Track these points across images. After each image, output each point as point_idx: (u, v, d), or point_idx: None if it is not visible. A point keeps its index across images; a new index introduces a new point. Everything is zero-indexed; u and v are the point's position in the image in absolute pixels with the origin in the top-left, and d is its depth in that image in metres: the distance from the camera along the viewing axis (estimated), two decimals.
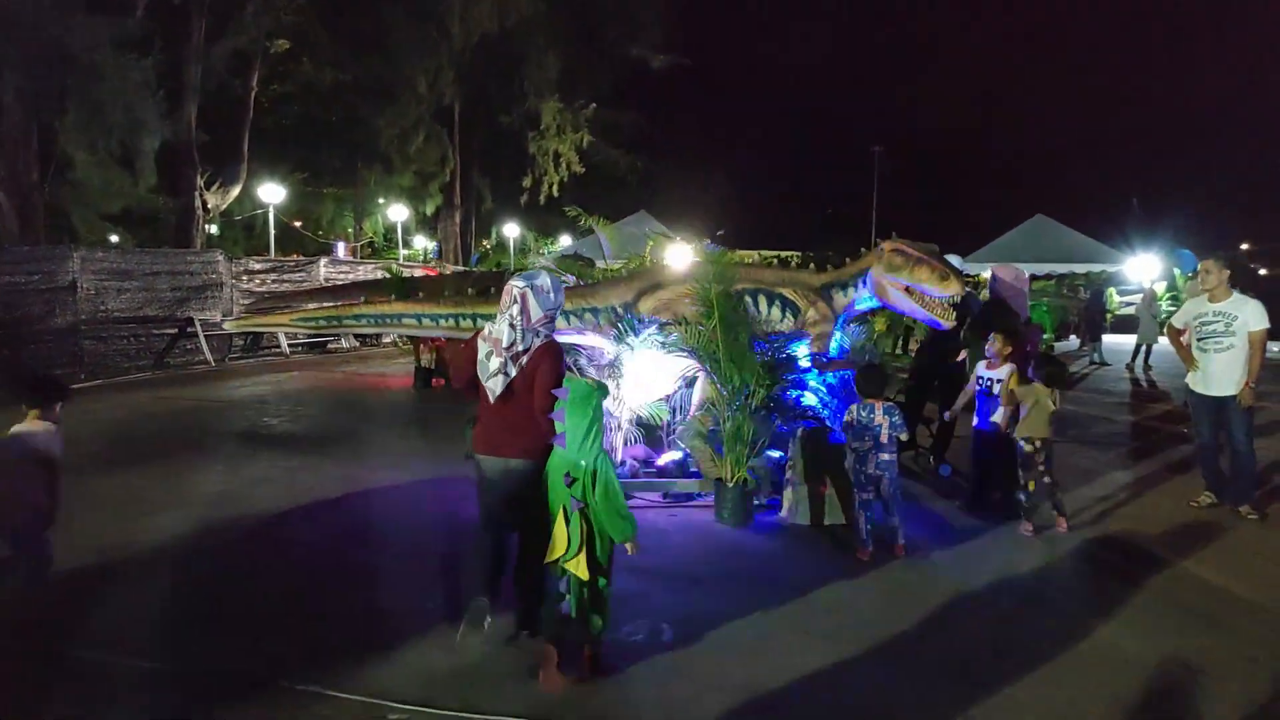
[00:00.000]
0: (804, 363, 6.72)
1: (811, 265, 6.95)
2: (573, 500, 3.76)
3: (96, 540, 5.68)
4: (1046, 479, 6.14)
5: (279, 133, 25.32)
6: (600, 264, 11.57)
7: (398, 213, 27.46)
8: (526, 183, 30.43)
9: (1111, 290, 25.00)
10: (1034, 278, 27.40)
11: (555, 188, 30.55)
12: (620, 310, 6.83)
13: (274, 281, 19.17)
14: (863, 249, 6.78)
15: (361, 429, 9.88)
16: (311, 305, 6.99)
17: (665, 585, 5.09)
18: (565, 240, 34.42)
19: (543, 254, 26.81)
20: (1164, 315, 18.69)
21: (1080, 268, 31.30)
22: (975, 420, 6.68)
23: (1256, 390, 6.36)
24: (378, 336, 19.62)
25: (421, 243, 37.93)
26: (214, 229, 32.00)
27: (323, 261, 21.14)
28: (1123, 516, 6.58)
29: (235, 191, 22.57)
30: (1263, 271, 37.41)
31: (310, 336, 18.75)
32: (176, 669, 4.05)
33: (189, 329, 16.50)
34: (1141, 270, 28.59)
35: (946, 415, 7.34)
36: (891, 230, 6.67)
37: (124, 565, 5.37)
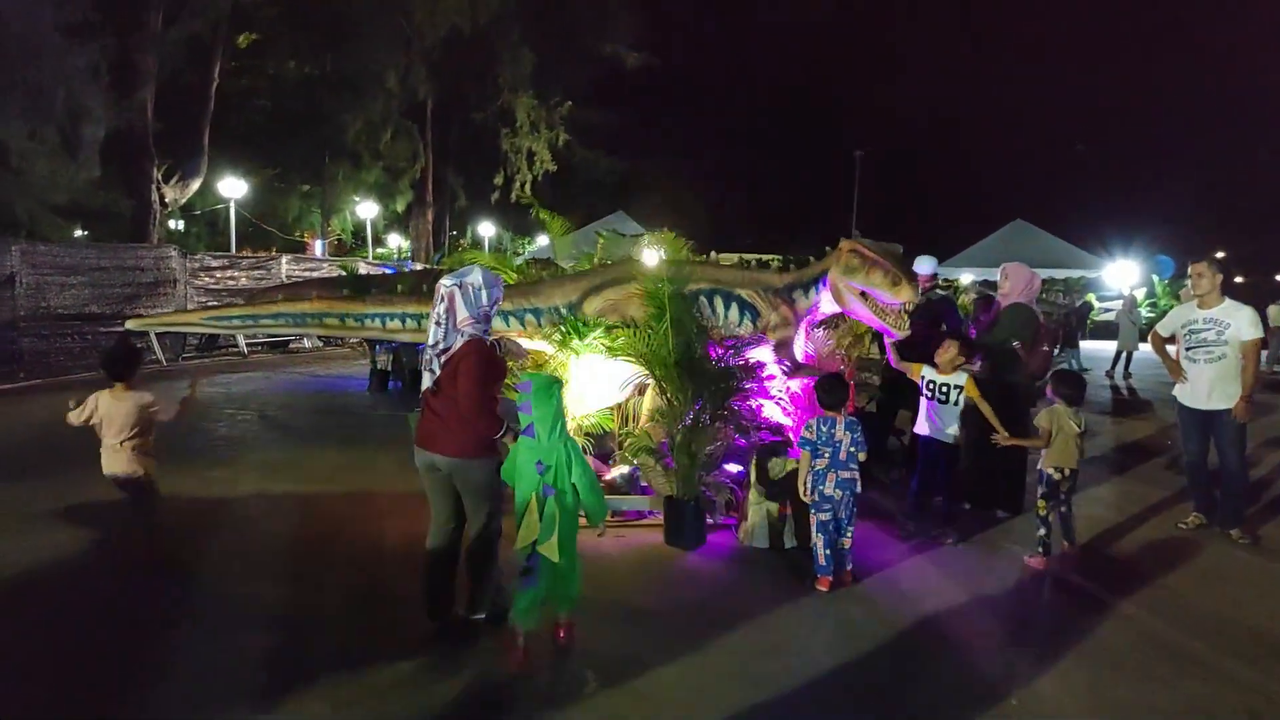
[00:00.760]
0: (767, 370, 6.20)
1: (774, 265, 6.43)
2: (545, 488, 3.94)
3: None
4: (1065, 508, 5.67)
5: (243, 126, 24.56)
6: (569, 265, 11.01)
7: (367, 210, 26.74)
8: (498, 181, 29.76)
9: (1091, 296, 24.70)
10: None
11: (528, 186, 29.90)
12: (564, 311, 6.28)
13: (230, 279, 18.49)
14: (828, 248, 6.27)
15: (298, 437, 9.28)
16: (227, 306, 6.35)
17: (601, 621, 4.53)
18: (542, 240, 33.83)
19: (519, 254, 26.25)
20: (1144, 322, 18.38)
21: (1059, 273, 31.01)
22: (917, 427, 6.16)
23: (1252, 404, 5.89)
24: (343, 337, 18.96)
25: (397, 241, 37.20)
26: (180, 225, 31.23)
27: (285, 259, 20.45)
28: (1105, 539, 6.09)
29: (195, 185, 21.81)
30: (1239, 279, 37.31)
31: (269, 336, 18.11)
32: None
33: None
34: (1120, 276, 28.40)
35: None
36: (855, 231, 6.16)
37: None
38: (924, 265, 7.69)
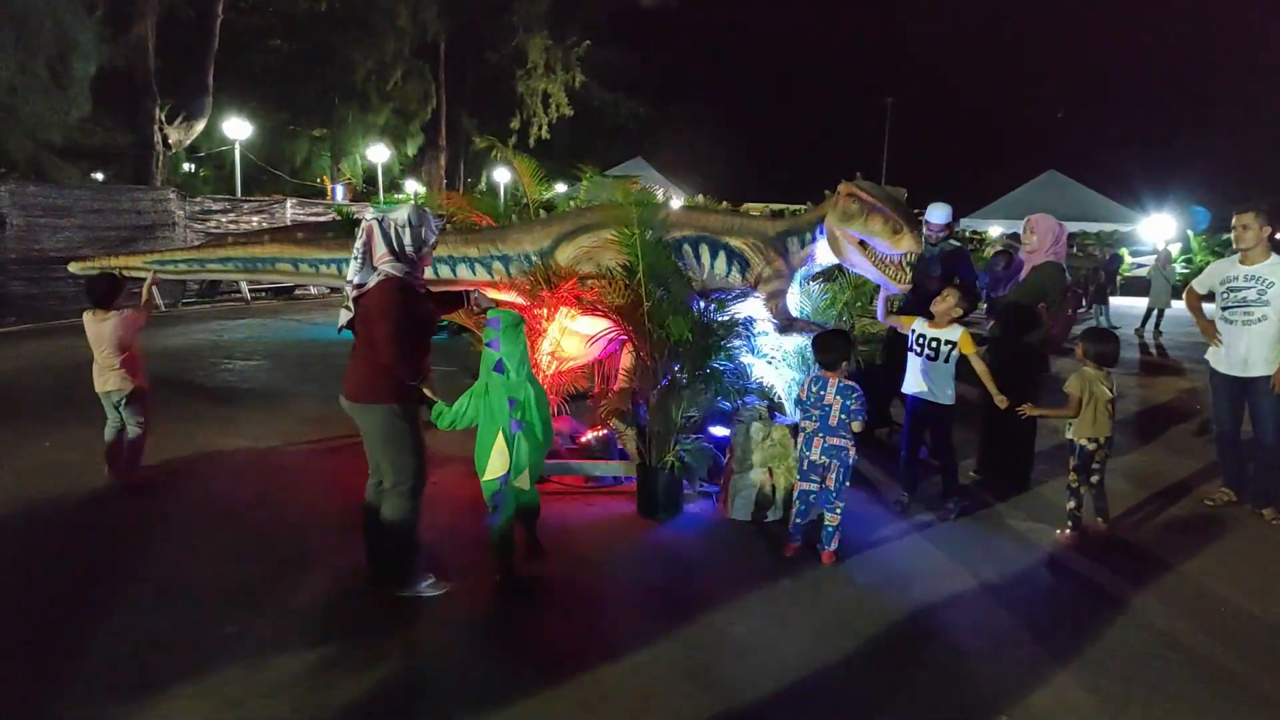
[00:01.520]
0: (757, 327, 5.67)
1: (765, 212, 5.85)
2: (514, 423, 4.00)
3: None
4: (1096, 478, 5.14)
5: (249, 66, 23.86)
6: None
7: (378, 153, 26.09)
8: (514, 124, 28.93)
9: (1124, 250, 23.74)
10: None
11: (545, 130, 29.09)
12: (535, 259, 5.74)
13: (231, 222, 18.05)
14: (826, 192, 5.66)
15: (279, 387, 8.90)
16: (173, 250, 5.89)
17: (552, 606, 4.10)
18: (560, 187, 33.05)
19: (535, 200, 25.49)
20: (1179, 279, 17.53)
21: (1092, 226, 29.97)
22: (905, 384, 5.61)
23: None
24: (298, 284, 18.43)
25: (414, 187, 36.55)
26: (192, 168, 30.78)
27: (290, 203, 19.98)
28: (1125, 517, 5.54)
29: (200, 126, 21.25)
30: None
31: (273, 282, 17.71)
32: None
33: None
34: (1156, 230, 27.33)
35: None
36: (857, 174, 5.53)
37: None
38: (937, 214, 7.07)
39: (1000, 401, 5.22)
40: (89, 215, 15.04)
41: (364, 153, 26.54)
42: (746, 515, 5.25)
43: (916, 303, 7.12)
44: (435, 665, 3.55)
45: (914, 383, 5.51)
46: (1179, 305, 10.40)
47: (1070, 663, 3.67)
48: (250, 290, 17.76)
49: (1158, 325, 15.74)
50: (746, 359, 5.79)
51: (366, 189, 27.80)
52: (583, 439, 6.03)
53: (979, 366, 5.30)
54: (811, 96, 55.44)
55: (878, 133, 48.61)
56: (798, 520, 4.75)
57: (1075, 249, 24.16)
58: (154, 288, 5.72)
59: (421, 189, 34.42)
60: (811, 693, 3.41)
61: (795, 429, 5.36)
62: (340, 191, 26.89)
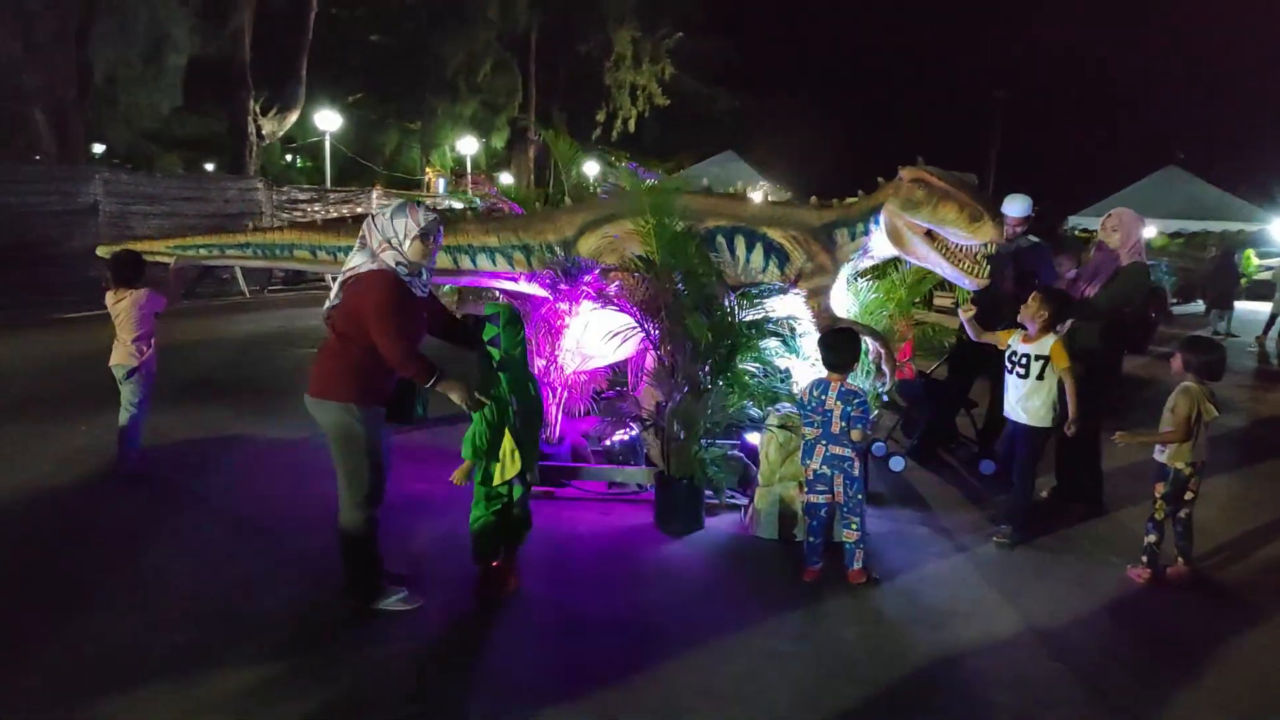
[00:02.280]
0: (795, 325, 5.18)
1: (812, 201, 5.34)
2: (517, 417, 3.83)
3: None
4: (1186, 510, 4.49)
5: (342, 58, 24.34)
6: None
7: (467, 145, 26.27)
8: (600, 116, 28.71)
9: (1249, 252, 21.89)
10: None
11: (631, 123, 28.77)
12: (559, 249, 5.36)
13: (317, 211, 18.36)
14: (880, 179, 5.10)
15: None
16: (193, 235, 5.80)
17: (529, 627, 3.72)
18: (649, 181, 32.60)
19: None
20: None
21: (1215, 226, 27.86)
22: (1006, 407, 5.02)
23: None
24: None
25: (508, 180, 36.81)
26: (294, 159, 31.68)
27: (375, 193, 20.24)
28: (1210, 552, 4.83)
29: (293, 117, 21.76)
30: None
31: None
32: None
33: None
34: None
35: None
36: (919, 159, 4.95)
37: None
38: (1014, 205, 6.37)
39: (1070, 429, 4.69)
40: (178, 203, 15.49)
41: (453, 144, 26.76)
42: (772, 533, 4.77)
43: (987, 307, 6.49)
44: (385, 688, 3.22)
45: (1009, 403, 4.94)
46: None
47: None
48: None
49: None
50: (787, 362, 5.31)
51: (455, 182, 28.04)
52: (607, 442, 5.64)
53: (1068, 383, 4.70)
54: (917, 89, 53.48)
55: (986, 127, 46.58)
56: (811, 539, 4.29)
57: (1190, 249, 22.51)
58: (179, 273, 5.64)
59: (510, 180, 34.69)
60: None
61: None
62: (444, 185, 27.19)
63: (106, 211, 14.24)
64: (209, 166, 25.32)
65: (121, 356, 5.46)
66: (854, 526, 4.21)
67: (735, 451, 5.28)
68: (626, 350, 5.38)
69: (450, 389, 3.69)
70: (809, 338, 5.26)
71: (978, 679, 3.43)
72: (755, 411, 4.99)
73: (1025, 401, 4.82)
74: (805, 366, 5.37)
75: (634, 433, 5.52)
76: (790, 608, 3.96)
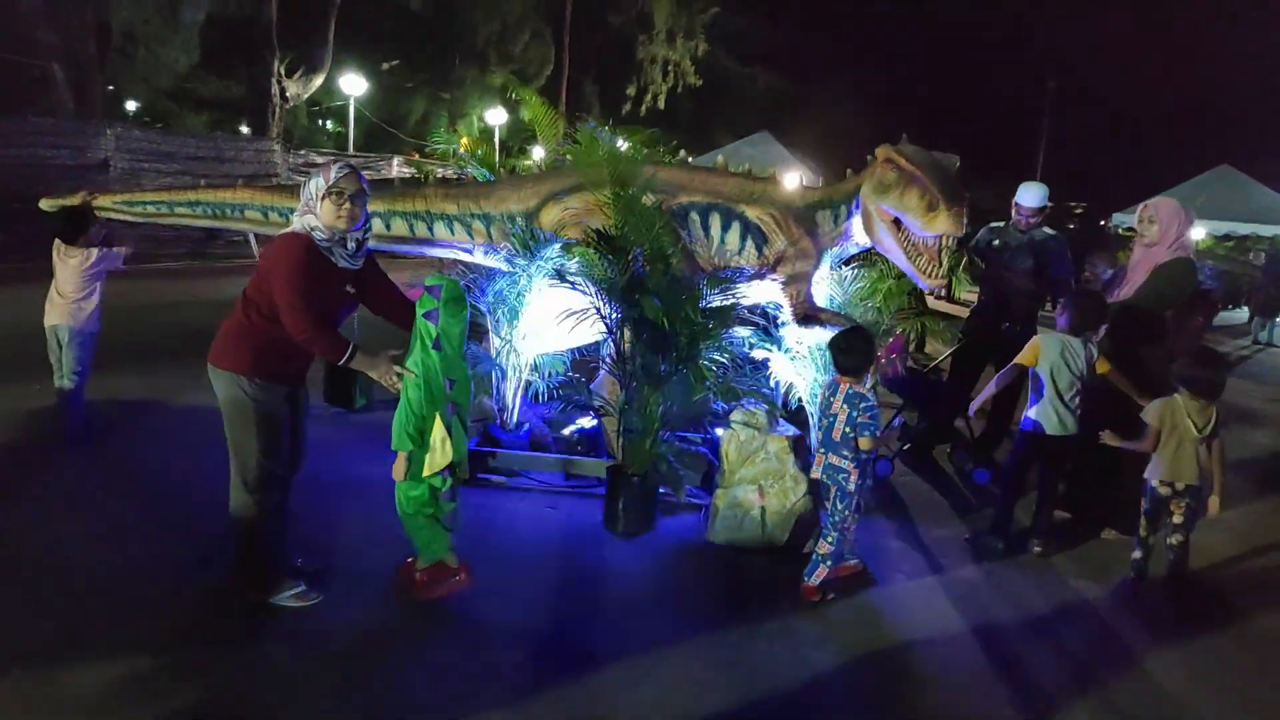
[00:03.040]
0: (769, 314, 4.78)
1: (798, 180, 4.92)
2: (450, 406, 3.48)
3: None
4: (1177, 537, 4.12)
5: (371, 21, 23.99)
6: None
7: (496, 116, 25.89)
8: (630, 91, 28.16)
9: None
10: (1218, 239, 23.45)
11: (661, 99, 28.20)
12: (521, 220, 4.98)
13: None
14: (869, 157, 4.66)
15: None
16: (142, 191, 5.49)
17: (451, 640, 3.37)
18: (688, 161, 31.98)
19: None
20: None
21: (1267, 230, 26.70)
22: (1031, 413, 4.56)
23: None
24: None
25: (540, 154, 36.23)
26: (327, 124, 31.48)
27: (396, 160, 20.00)
28: (1218, 585, 4.37)
29: (318, 81, 21.48)
30: None
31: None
32: None
33: None
34: None
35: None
36: (904, 135, 4.49)
37: None
38: (1029, 195, 5.88)
39: (1109, 438, 4.29)
40: (191, 162, 15.32)
41: (481, 114, 26.39)
42: (726, 539, 4.38)
43: (995, 301, 6.02)
44: (254, 693, 2.90)
45: (1042, 410, 4.47)
46: None
47: None
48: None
49: None
50: (765, 353, 4.91)
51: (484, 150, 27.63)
52: (566, 431, 5.27)
53: (1122, 384, 4.46)
54: (963, 76, 52.10)
55: (1035, 117, 45.24)
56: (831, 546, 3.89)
57: (1238, 253, 21.56)
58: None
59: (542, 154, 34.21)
60: None
61: (798, 440, 4.46)
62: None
63: (118, 168, 14.11)
64: (243, 129, 25.27)
65: (60, 315, 5.18)
66: (830, 540, 3.83)
67: (701, 447, 4.89)
68: (587, 334, 4.99)
69: (367, 365, 3.36)
70: (789, 328, 4.87)
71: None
72: (721, 405, 4.60)
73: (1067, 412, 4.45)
74: (784, 359, 4.97)
75: (595, 422, 5.15)
76: (727, 625, 3.58)
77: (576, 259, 4.63)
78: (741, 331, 4.64)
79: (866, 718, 3.06)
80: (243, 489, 3.34)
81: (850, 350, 3.90)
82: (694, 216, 4.79)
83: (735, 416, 4.41)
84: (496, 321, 5.03)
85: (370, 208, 5.28)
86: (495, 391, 5.18)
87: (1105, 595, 4.15)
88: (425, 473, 3.47)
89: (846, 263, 5.11)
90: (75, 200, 5.39)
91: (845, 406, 3.78)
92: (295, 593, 3.45)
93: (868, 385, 4.76)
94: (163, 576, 3.63)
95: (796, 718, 3.01)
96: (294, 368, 3.43)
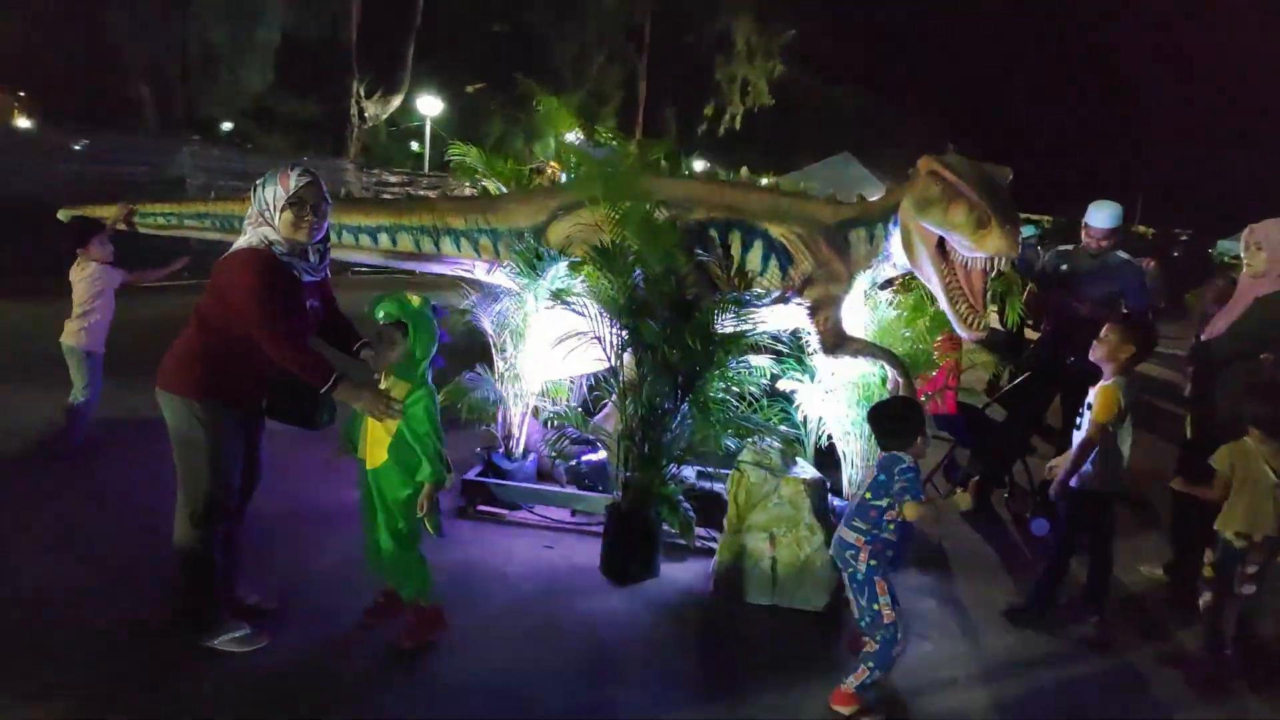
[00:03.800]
0: (791, 342, 4.34)
1: (828, 195, 4.47)
2: None
3: None
4: (1250, 588, 3.54)
5: (449, 43, 24.28)
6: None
7: (573, 137, 25.87)
8: (708, 111, 27.78)
9: None
10: None
11: (738, 120, 27.74)
12: (529, 236, 4.65)
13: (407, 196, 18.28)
14: (910, 170, 4.19)
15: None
16: (153, 203, 5.33)
17: (401, 696, 3.03)
18: (762, 182, 31.51)
19: None
20: None
21: None
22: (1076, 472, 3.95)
23: None
24: None
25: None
26: (416, 146, 32.05)
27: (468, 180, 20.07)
28: None
29: (396, 101, 21.77)
30: None
31: None
32: None
33: None
34: None
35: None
36: (949, 145, 4.01)
37: None
38: (1100, 215, 5.28)
39: (1177, 484, 3.84)
40: None
41: (559, 135, 26.45)
42: (732, 594, 3.93)
43: (1055, 334, 5.44)
44: None
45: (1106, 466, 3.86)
46: None
47: None
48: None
49: None
50: (795, 384, 4.46)
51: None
52: (573, 462, 4.90)
53: (1086, 439, 3.71)
54: (1058, 99, 50.17)
55: (1136, 135, 43.27)
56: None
57: None
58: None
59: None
60: None
61: (818, 484, 3.99)
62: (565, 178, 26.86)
63: (194, 185, 14.41)
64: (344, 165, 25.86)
65: (68, 334, 5.14)
66: (875, 639, 3.06)
67: (720, 485, 4.46)
68: (595, 361, 4.60)
69: (351, 396, 3.06)
70: (818, 358, 4.41)
71: None
72: (733, 442, 4.16)
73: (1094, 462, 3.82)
74: (814, 391, 4.50)
75: (604, 454, 4.77)
76: (713, 699, 3.14)
77: (582, 278, 4.28)
78: (759, 361, 4.19)
79: None
80: (188, 521, 3.08)
81: (889, 422, 3.21)
82: (712, 234, 4.39)
83: (745, 456, 3.97)
84: (501, 344, 4.72)
85: (376, 222, 5.13)
86: (501, 418, 4.85)
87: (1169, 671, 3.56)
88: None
89: (884, 286, 4.62)
90: (111, 212, 5.30)
91: (875, 468, 3.19)
92: (237, 636, 3.16)
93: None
94: (97, 607, 3.38)
95: None
96: (249, 390, 3.16)
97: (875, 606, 3.03)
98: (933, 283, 3.92)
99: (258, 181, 3.12)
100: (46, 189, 11.62)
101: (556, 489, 4.69)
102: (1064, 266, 5.42)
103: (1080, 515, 3.88)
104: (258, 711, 2.86)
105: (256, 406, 3.23)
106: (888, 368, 4.24)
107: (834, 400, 4.45)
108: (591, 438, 4.46)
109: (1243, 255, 4.40)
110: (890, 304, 4.58)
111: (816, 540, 3.81)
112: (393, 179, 18.42)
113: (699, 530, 4.15)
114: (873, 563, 3.03)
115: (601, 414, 4.72)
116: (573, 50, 24.99)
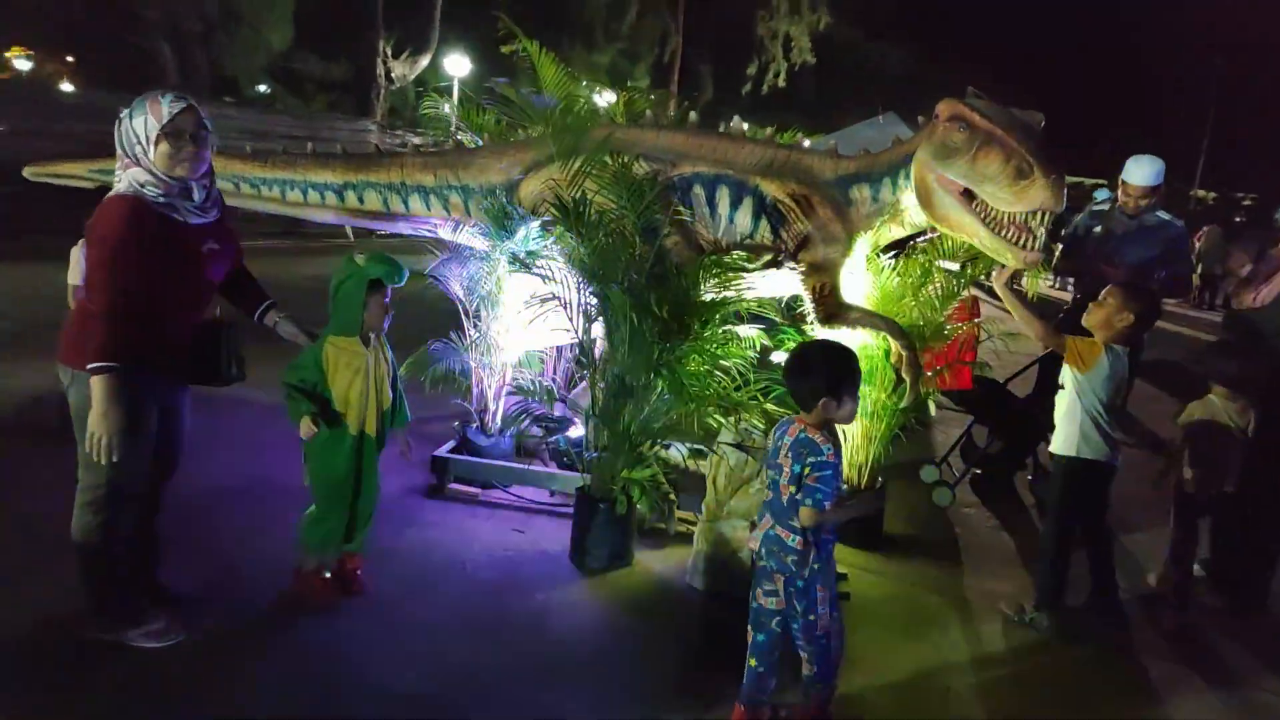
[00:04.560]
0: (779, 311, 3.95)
1: (828, 146, 4.05)
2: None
3: None
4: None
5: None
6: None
7: (605, 98, 25.31)
8: (750, 70, 26.98)
9: None
10: None
11: (782, 77, 26.93)
12: (501, 194, 4.28)
13: None
14: (921, 118, 3.73)
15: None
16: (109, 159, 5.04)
17: (328, 691, 2.75)
18: (805, 143, 30.70)
19: None
20: None
21: None
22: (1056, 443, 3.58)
23: None
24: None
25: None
26: (447, 108, 31.69)
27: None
28: None
29: (424, 61, 21.43)
30: None
31: None
32: None
33: None
34: None
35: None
36: (970, 89, 3.54)
37: None
38: (1139, 171, 4.81)
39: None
40: (284, 140, 15.34)
41: (589, 95, 25.90)
42: (707, 584, 3.58)
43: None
44: None
45: (1061, 435, 3.52)
46: None
47: None
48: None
49: None
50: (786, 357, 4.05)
51: None
52: (557, 438, 4.57)
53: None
54: (1115, 53, 48.13)
55: (1197, 98, 41.31)
56: (753, 663, 2.61)
57: None
58: None
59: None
60: None
61: None
62: None
63: (212, 145, 14.23)
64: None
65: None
66: (808, 658, 2.60)
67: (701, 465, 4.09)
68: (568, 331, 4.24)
69: (105, 399, 2.62)
70: (814, 328, 4.00)
71: None
72: (714, 421, 3.78)
73: (1084, 430, 3.41)
74: None
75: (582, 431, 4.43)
76: (676, 709, 2.80)
77: (553, 240, 3.91)
78: (745, 331, 3.80)
79: None
80: (87, 508, 2.78)
81: (805, 373, 2.61)
82: (698, 190, 3.97)
83: (724, 437, 3.60)
84: (473, 311, 4.39)
85: (343, 179, 4.79)
86: (475, 391, 4.53)
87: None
88: None
89: (886, 250, 4.18)
90: (58, 168, 4.97)
91: (790, 456, 2.53)
92: (147, 630, 2.88)
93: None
94: (11, 602, 3.12)
95: None
96: (161, 355, 2.83)
97: (812, 617, 2.54)
98: (965, 228, 3.47)
99: (122, 114, 2.73)
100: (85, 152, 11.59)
101: (530, 467, 4.35)
102: (1098, 228, 4.96)
103: (1069, 487, 3.48)
104: (159, 714, 2.59)
105: (176, 373, 2.93)
106: (890, 339, 3.83)
107: None
108: (558, 415, 4.12)
109: None
110: (894, 269, 4.13)
111: None
112: (417, 140, 18.08)
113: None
114: (815, 566, 2.53)
115: (580, 388, 4.37)
116: (604, 5, 24.32)
